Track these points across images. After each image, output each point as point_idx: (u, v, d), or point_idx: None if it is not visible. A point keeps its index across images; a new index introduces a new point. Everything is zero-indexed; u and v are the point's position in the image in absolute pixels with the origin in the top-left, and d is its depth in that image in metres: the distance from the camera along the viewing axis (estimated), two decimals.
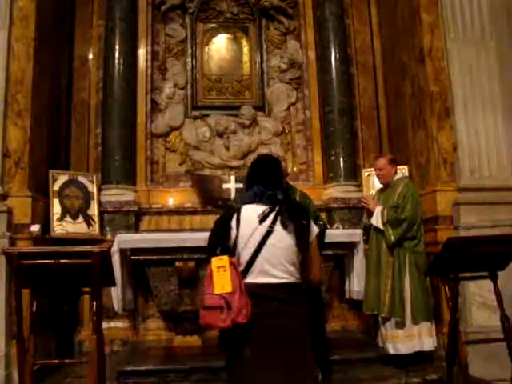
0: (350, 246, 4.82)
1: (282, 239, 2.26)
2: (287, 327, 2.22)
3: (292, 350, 2.19)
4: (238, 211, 2.32)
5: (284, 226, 2.25)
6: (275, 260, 2.24)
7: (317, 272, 2.43)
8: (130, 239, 4.49)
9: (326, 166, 5.80)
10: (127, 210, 5.20)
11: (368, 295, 4.20)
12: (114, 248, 4.32)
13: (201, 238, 4.23)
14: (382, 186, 4.43)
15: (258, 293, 2.19)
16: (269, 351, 2.16)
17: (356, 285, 4.72)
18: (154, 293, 4.69)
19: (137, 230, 5.25)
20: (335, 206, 5.46)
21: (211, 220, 5.16)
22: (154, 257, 4.52)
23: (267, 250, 2.23)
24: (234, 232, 2.30)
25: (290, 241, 2.26)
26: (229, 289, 2.11)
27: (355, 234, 4.77)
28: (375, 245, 4.21)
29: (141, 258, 4.52)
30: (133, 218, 5.22)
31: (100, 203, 5.11)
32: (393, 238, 4.00)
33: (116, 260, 4.26)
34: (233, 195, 5.24)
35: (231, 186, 5.37)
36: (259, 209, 2.30)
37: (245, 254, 2.26)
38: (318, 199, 5.44)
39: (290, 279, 2.26)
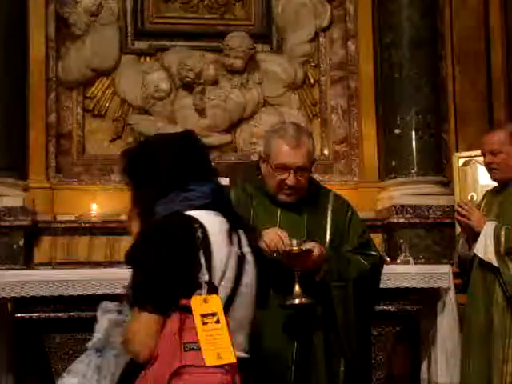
0: (431, 297, 4.53)
1: (254, 275, 2.05)
2: None
3: None
4: (200, 222, 1.91)
5: (252, 247, 2.05)
6: (245, 316, 2.01)
7: None
8: (13, 281, 4.13)
9: (383, 146, 5.25)
10: (10, 224, 4.74)
11: None
12: None
13: None
14: (495, 184, 3.96)
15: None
16: None
17: (443, 369, 4.35)
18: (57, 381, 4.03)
19: (28, 262, 4.84)
20: (401, 220, 5.02)
21: None
22: (60, 314, 4.13)
23: (241, 296, 1.97)
24: (202, 258, 1.91)
25: (255, 280, 2.07)
26: (231, 357, 1.77)
27: (441, 274, 4.46)
28: (482, 293, 3.83)
29: (34, 315, 4.14)
30: (21, 241, 4.82)
31: None
32: None
33: None
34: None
35: None
36: (221, 219, 2.02)
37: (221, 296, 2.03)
38: (370, 208, 5.17)
39: (244, 355, 1.98)
